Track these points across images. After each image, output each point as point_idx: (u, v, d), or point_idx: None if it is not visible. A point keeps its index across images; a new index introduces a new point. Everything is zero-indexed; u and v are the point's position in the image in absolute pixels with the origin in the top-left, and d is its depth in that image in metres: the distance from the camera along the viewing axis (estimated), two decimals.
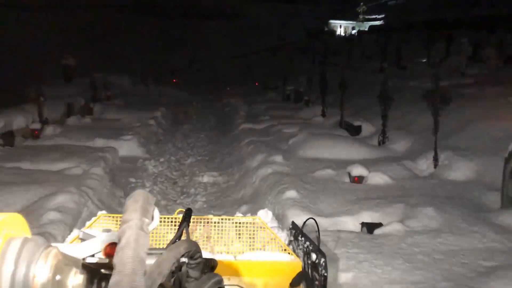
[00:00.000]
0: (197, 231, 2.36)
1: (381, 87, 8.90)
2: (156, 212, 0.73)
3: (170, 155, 9.93)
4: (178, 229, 1.35)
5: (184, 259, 0.87)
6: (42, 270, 0.49)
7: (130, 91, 19.22)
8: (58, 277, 0.50)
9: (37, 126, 9.53)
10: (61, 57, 18.38)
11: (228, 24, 46.36)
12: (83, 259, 0.73)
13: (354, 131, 10.09)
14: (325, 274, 2.05)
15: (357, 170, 6.42)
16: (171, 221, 2.26)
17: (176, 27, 40.77)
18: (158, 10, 42.09)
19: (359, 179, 6.39)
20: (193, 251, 0.84)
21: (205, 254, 1.68)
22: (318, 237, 2.18)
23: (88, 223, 2.28)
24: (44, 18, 29.81)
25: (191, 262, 0.88)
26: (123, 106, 14.67)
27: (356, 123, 10.21)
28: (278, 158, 7.47)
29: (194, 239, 2.25)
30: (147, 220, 0.64)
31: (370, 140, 9.35)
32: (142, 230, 0.61)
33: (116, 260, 0.57)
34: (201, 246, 1.59)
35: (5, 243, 0.50)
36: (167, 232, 2.25)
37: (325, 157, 7.79)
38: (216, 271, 1.14)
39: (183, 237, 1.31)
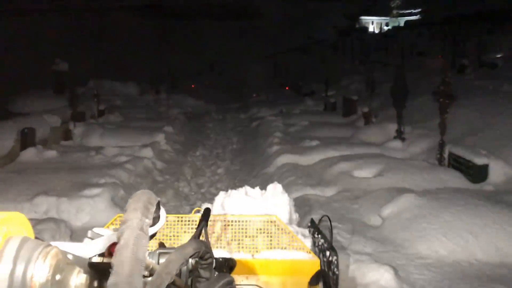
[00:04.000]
0: (215, 230, 2.20)
1: None
2: (163, 212, 0.70)
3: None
4: (197, 228, 1.28)
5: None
6: (40, 270, 0.46)
7: (135, 102, 15.25)
8: (58, 277, 0.48)
9: None
10: (52, 62, 14.61)
11: (251, 24, 42.16)
12: (90, 258, 0.64)
13: (476, 174, 5.70)
14: (337, 272, 1.98)
15: None
16: (189, 221, 2.14)
17: (193, 28, 36.67)
18: (171, 11, 37.97)
19: None
20: (203, 251, 0.78)
21: (223, 254, 2.02)
22: (331, 235, 2.16)
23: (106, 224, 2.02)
24: (38, 22, 26.18)
25: (202, 262, 0.83)
26: (118, 125, 10.64)
27: (478, 160, 5.79)
28: (386, 275, 3.15)
29: (212, 238, 2.16)
30: (147, 220, 0.59)
31: None
32: (142, 230, 0.56)
33: (114, 260, 0.53)
34: (218, 246, 2.12)
35: (4, 242, 0.48)
36: (185, 232, 2.11)
37: (480, 261, 3.46)
38: (234, 270, 1.31)
39: (202, 237, 1.30)
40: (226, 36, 36.89)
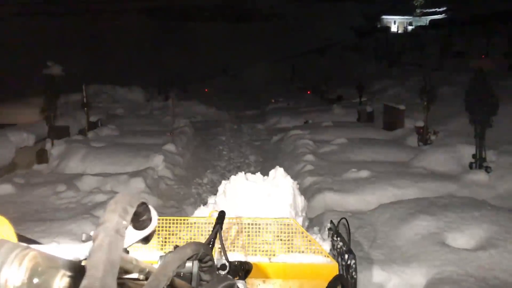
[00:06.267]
0: (231, 233, 2.10)
1: None
2: (154, 214, 0.63)
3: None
4: (212, 231, 1.26)
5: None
6: (15, 273, 0.44)
7: (139, 109, 13.16)
8: (36, 280, 0.46)
9: None
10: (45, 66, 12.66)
11: (266, 26, 39.95)
12: (80, 261, 0.60)
13: None
14: (355, 276, 1.87)
15: None
16: (205, 223, 2.09)
17: (205, 31, 34.53)
18: (182, 13, 35.79)
19: None
20: (202, 253, 0.74)
21: (239, 257, 1.93)
22: (349, 237, 2.06)
23: None
24: (36, 24, 24.37)
25: (202, 265, 0.80)
26: (109, 142, 8.52)
27: None
28: None
29: (228, 241, 2.08)
30: (124, 222, 0.53)
31: None
32: (117, 232, 0.52)
33: (87, 263, 0.50)
34: (234, 249, 2.06)
35: None
36: (202, 234, 2.04)
37: None
38: (251, 273, 1.27)
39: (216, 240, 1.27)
40: (240, 39, 34.77)
